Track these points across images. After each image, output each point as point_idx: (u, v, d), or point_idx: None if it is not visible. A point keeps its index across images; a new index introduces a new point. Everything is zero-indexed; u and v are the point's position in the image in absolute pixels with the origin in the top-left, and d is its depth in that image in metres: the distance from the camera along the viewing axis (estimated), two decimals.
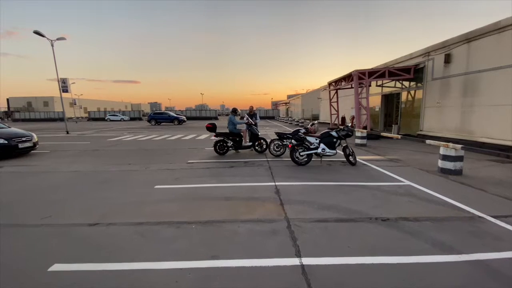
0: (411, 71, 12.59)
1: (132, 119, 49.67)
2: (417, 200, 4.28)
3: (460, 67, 10.42)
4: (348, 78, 14.62)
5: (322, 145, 7.27)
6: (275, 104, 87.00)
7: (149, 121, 29.94)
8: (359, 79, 13.19)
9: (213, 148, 8.74)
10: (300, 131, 7.56)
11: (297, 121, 27.55)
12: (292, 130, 7.85)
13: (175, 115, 30.44)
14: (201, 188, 5.14)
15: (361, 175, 6.05)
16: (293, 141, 7.40)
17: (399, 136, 9.03)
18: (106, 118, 48.50)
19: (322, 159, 7.85)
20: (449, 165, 5.90)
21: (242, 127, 9.44)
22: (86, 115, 58.45)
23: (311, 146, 7.31)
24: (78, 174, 6.38)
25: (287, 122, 32.48)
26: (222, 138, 8.64)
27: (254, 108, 9.97)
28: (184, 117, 31.20)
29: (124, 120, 46.78)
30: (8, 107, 73.37)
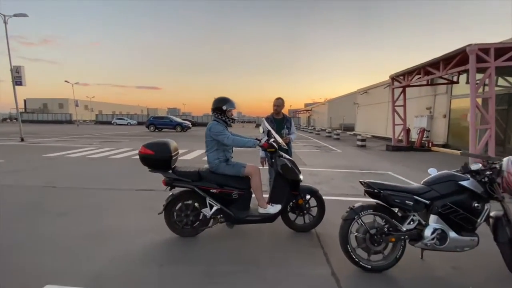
0: None
1: (140, 123, 46.00)
2: None
3: None
4: (440, 63, 8.43)
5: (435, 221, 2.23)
6: (294, 112, 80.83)
7: (147, 126, 25.06)
8: (478, 60, 7.04)
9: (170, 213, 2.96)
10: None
11: (329, 132, 21.36)
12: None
13: (178, 121, 25.33)
14: None
15: None
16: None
17: None
18: (112, 122, 44.96)
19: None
20: None
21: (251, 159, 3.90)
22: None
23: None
24: None
25: (312, 132, 26.31)
26: (187, 189, 2.89)
27: (285, 110, 4.16)
28: (189, 123, 26.00)
29: (130, 124, 43.11)
30: (25, 108, 73.22)
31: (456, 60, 7.77)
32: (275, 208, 2.84)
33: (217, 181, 2.82)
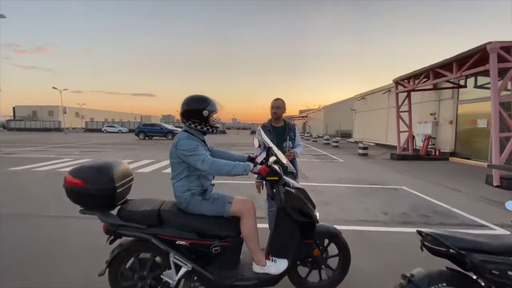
0: None
1: (131, 131, 44.64)
2: None
3: None
4: (454, 64, 7.65)
5: None
6: (289, 118, 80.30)
7: (137, 134, 23.88)
8: (499, 60, 6.26)
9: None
10: None
11: (327, 139, 20.51)
12: None
13: (169, 128, 24.23)
14: None
15: None
16: None
17: None
18: (102, 130, 43.59)
19: None
20: None
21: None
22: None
23: None
24: None
25: (309, 139, 25.48)
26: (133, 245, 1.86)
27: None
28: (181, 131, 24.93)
29: (121, 132, 41.85)
30: (14, 116, 71.16)
31: (473, 60, 6.99)
32: (278, 266, 1.85)
33: (188, 225, 1.82)
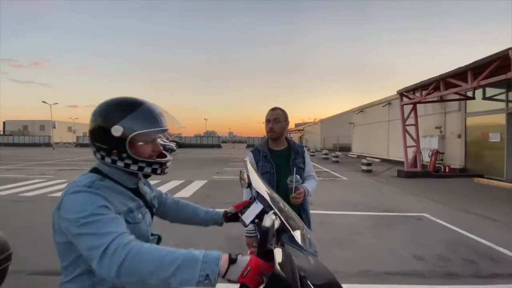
0: None
1: None
2: None
3: None
4: (468, 73, 6.89)
5: None
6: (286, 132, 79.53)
7: None
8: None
9: None
10: None
11: (325, 153, 19.62)
12: None
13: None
14: None
15: None
16: None
17: None
18: None
19: None
20: None
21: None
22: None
23: None
24: None
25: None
26: None
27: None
28: (173, 145, 23.86)
29: None
30: (4, 130, 69.44)
31: (491, 68, 6.25)
32: None
33: None
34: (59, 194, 6.76)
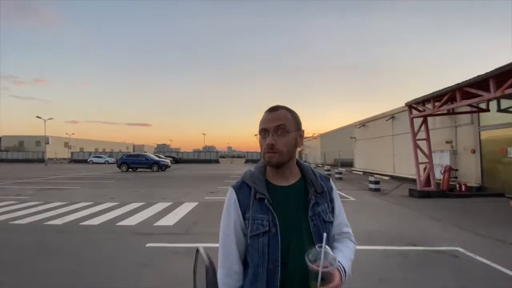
0: None
1: None
2: None
3: None
4: (490, 81, 6.16)
5: None
6: None
7: (119, 166, 21.74)
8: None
9: None
10: None
11: (327, 169, 18.70)
12: None
13: (155, 159, 22.18)
14: None
15: None
16: None
17: None
18: (88, 160, 41.32)
19: None
20: None
21: None
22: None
23: None
24: None
25: None
26: None
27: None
28: (168, 161, 22.90)
29: (108, 163, 39.63)
30: None
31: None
32: None
33: None
34: (22, 221, 5.76)
